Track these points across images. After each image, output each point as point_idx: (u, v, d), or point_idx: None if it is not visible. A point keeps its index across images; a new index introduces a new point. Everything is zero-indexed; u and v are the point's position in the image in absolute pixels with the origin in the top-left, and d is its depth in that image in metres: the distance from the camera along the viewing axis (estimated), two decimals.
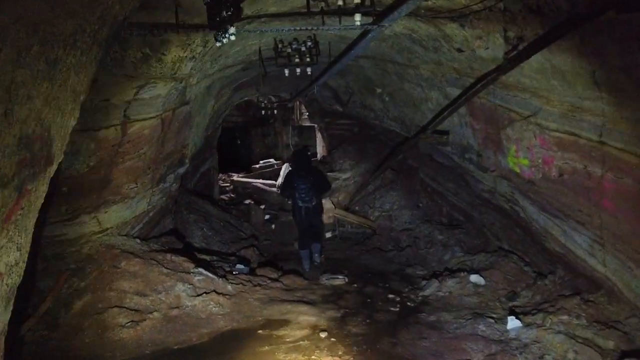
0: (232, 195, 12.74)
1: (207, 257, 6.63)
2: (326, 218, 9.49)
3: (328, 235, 9.07)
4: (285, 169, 14.31)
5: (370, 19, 4.65)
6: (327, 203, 9.83)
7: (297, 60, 6.55)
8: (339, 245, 8.51)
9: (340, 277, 6.40)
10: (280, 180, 13.37)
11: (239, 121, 16.81)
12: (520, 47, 4.18)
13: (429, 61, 6.14)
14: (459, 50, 5.19)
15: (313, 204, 7.22)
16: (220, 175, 13.96)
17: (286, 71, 6.67)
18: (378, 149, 11.28)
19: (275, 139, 17.31)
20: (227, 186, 13.37)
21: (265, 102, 14.66)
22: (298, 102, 14.90)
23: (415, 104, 7.55)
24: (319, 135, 14.47)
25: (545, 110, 4.56)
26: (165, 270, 5.41)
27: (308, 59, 6.56)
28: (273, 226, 10.16)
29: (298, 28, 4.10)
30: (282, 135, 16.88)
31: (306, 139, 16.24)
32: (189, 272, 5.52)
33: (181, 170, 7.06)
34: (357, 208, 9.80)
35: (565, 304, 4.58)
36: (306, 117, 15.08)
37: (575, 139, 4.31)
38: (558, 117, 4.42)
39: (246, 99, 13.22)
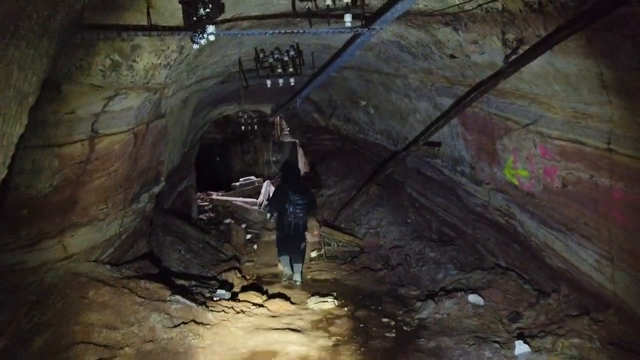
0: (211, 214, 12.24)
1: (185, 283, 6.15)
2: (311, 236, 9.09)
3: (314, 254, 8.65)
4: (266, 186, 13.89)
5: (359, 23, 4.34)
6: (311, 220, 9.44)
7: (279, 70, 6.21)
8: (326, 265, 8.09)
9: (329, 300, 5.98)
10: (262, 197, 12.94)
11: (218, 138, 16.38)
12: (521, 50, 3.92)
13: (418, 70, 5.87)
14: (452, 57, 4.92)
15: (302, 220, 7.13)
16: (199, 194, 13.46)
17: (268, 82, 6.32)
18: (362, 164, 10.99)
19: (255, 156, 16.91)
20: (206, 205, 12.87)
21: (245, 117, 14.29)
22: (278, 118, 14.57)
23: (402, 115, 7.27)
24: (300, 151, 14.14)
25: (546, 117, 4.30)
26: (138, 299, 4.92)
27: (291, 70, 6.23)
28: (255, 246, 9.69)
29: (283, 31, 3.76)
30: (262, 152, 16.49)
31: (287, 155, 15.88)
32: (165, 301, 5.03)
33: (156, 188, 6.59)
34: (342, 225, 9.42)
35: (574, 324, 4.26)
36: (287, 132, 14.75)
37: (580, 147, 4.04)
38: (561, 125, 4.16)
39: (225, 114, 12.83)
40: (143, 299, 4.95)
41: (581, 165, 4.11)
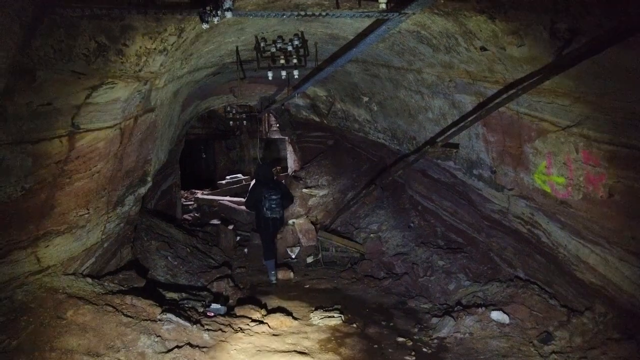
0: (196, 214, 11.56)
1: (176, 296, 5.53)
2: (306, 240, 8.55)
3: (310, 259, 8.11)
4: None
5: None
6: (305, 223, 8.90)
7: (282, 61, 5.62)
8: (324, 272, 7.55)
9: (335, 315, 5.44)
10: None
11: (202, 133, 15.64)
12: (576, 44, 3.43)
13: (436, 64, 5.36)
14: (482, 49, 4.41)
15: (278, 216, 7.28)
16: (183, 192, 12.76)
17: (269, 74, 5.72)
18: (358, 164, 10.47)
19: (242, 153, 16.23)
20: (191, 205, 12.17)
21: (233, 112, 13.59)
22: (267, 114, 13.93)
23: (411, 113, 6.76)
24: (289, 149, 13.53)
25: (594, 118, 3.83)
26: (124, 319, 4.29)
27: (295, 61, 5.65)
28: (246, 250, 9.09)
29: (304, 13, 3.18)
30: (248, 149, 15.81)
31: (275, 152, 15.25)
32: (155, 320, 4.42)
33: (142, 190, 5.94)
34: (339, 229, 8.89)
35: (621, 350, 3.82)
36: (276, 129, 14.12)
37: (636, 153, 3.59)
38: (612, 127, 3.70)
39: (212, 108, 12.14)
40: (130, 319, 4.33)
41: (634, 174, 3.65)
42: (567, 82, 3.85)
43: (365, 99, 7.82)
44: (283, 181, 12.57)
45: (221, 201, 11.77)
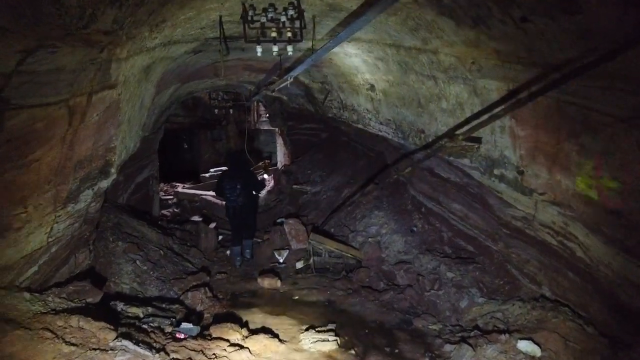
0: (175, 210, 10.61)
1: (140, 311, 4.62)
2: (296, 242, 7.67)
3: (300, 265, 7.24)
4: None
5: None
6: (296, 224, 8.02)
7: (273, 34, 4.71)
8: (316, 280, 6.68)
9: (330, 338, 4.58)
10: None
11: (186, 122, 14.61)
12: None
13: (458, 42, 4.49)
14: (522, 20, 3.54)
15: (240, 204, 7.63)
16: (162, 185, 11.78)
17: (258, 49, 4.81)
18: (354, 159, 9.61)
19: (228, 144, 15.24)
20: (170, 199, 11.21)
21: (218, 99, 12.60)
22: (256, 102, 12.98)
23: (420, 102, 5.90)
24: (280, 141, 12.62)
25: None
26: (65, 349, 3.38)
27: (289, 34, 4.74)
28: (228, 252, 8.17)
29: None
30: (235, 140, 14.83)
31: (264, 144, 14.32)
32: (106, 349, 3.51)
33: (104, 183, 5.00)
34: (333, 230, 8.03)
35: None
36: (265, 119, 13.18)
37: None
38: None
39: (196, 94, 11.16)
40: (73, 348, 3.42)
41: None
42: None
43: (368, 85, 6.94)
44: (269, 175, 11.68)
45: (203, 196, 10.82)
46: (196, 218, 9.78)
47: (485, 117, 4.73)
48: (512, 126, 4.57)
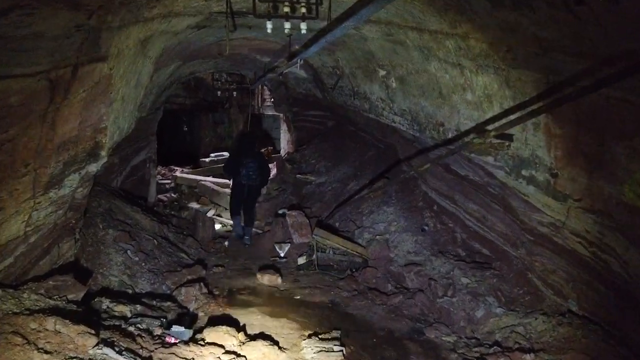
0: (173, 195, 10.16)
1: (127, 310, 4.19)
2: (299, 236, 7.25)
3: (302, 260, 6.82)
4: None
5: None
6: (299, 216, 7.59)
7: (286, 9, 4.22)
8: (319, 279, 6.27)
9: (335, 348, 4.16)
10: None
11: (187, 104, 14.07)
12: None
13: (493, 25, 3.99)
14: (578, 3, 3.06)
15: (257, 183, 7.63)
16: (160, 169, 11.32)
17: (269, 25, 4.32)
18: (362, 150, 9.14)
19: (230, 128, 14.73)
20: (168, 183, 10.76)
21: (222, 81, 12.07)
22: (260, 86, 12.47)
23: (442, 93, 5.42)
24: (284, 127, 12.14)
25: None
26: (38, 357, 2.95)
27: (304, 10, 4.25)
28: (227, 243, 7.75)
29: None
30: (238, 124, 14.34)
31: (268, 130, 13.82)
32: (84, 358, 3.09)
33: (93, 167, 4.55)
34: (338, 225, 7.59)
35: None
36: (270, 104, 12.67)
37: None
38: None
39: (198, 74, 10.65)
40: (46, 356, 3.00)
41: None
42: None
43: (382, 72, 6.45)
44: (271, 162, 11.30)
45: (202, 182, 10.37)
46: (194, 205, 9.35)
47: (517, 111, 4.27)
48: (547, 123, 4.10)
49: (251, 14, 4.76)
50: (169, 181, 10.91)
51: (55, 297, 3.80)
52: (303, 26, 4.34)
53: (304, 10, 4.25)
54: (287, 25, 4.29)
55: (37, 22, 2.74)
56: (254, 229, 8.36)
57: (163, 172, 11.57)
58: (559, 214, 4.39)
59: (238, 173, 7.49)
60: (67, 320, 3.32)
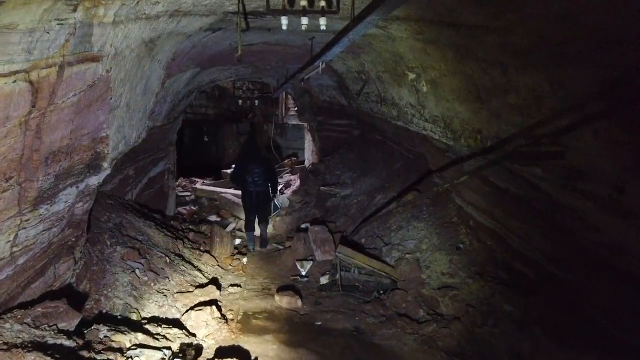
0: (192, 207, 9.81)
1: (126, 340, 3.75)
2: (321, 253, 6.73)
3: (324, 280, 6.29)
4: None
5: None
6: (322, 231, 7.09)
7: (303, 3, 3.76)
8: (342, 301, 5.73)
9: None
10: None
11: (210, 114, 13.80)
12: None
13: (545, 14, 3.42)
14: None
15: (264, 188, 7.66)
16: (181, 180, 11.02)
17: (284, 21, 3.86)
18: (389, 160, 8.60)
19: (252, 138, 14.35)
20: (188, 195, 10.42)
21: (243, 89, 11.73)
22: (284, 94, 12.08)
23: (480, 96, 4.84)
24: (308, 137, 11.70)
25: None
26: None
27: (323, 3, 3.78)
28: (245, 259, 7.30)
29: None
30: (262, 134, 13.97)
31: (291, 140, 13.40)
32: None
33: (93, 180, 4.16)
34: (363, 241, 7.04)
35: None
36: (293, 113, 12.26)
37: None
38: None
39: (219, 83, 10.32)
40: None
41: None
42: None
43: (412, 75, 5.91)
44: (294, 174, 10.93)
45: (222, 194, 9.98)
46: (214, 217, 8.96)
47: (571, 115, 3.67)
48: (611, 128, 3.48)
49: (265, 14, 4.32)
50: (189, 193, 10.57)
51: (43, 326, 3.38)
52: (322, 22, 3.86)
53: (323, 3, 3.77)
54: (305, 20, 3.81)
55: (5, 12, 2.34)
56: (274, 244, 7.93)
57: (183, 183, 11.26)
58: (619, 234, 3.75)
59: (245, 181, 7.54)
60: (48, 358, 2.89)
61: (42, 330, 3.33)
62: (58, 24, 2.69)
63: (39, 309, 3.48)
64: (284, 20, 3.82)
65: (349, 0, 4.16)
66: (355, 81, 7.92)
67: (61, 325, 3.49)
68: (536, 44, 3.68)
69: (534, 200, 4.85)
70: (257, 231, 8.12)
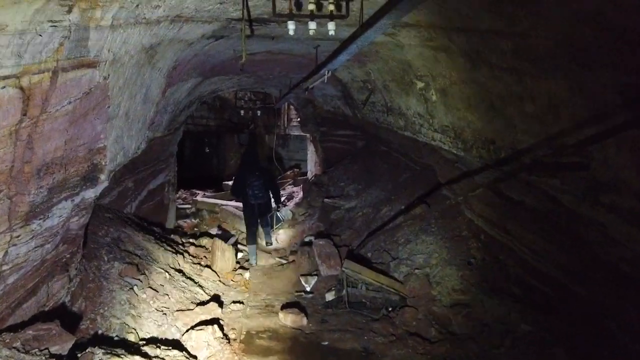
0: (193, 220, 9.59)
1: None
2: (326, 268, 6.51)
3: (330, 296, 6.05)
4: None
5: None
6: (327, 246, 6.87)
7: (311, 6, 3.59)
8: (349, 318, 5.49)
9: None
10: None
11: (211, 125, 13.64)
12: None
13: (566, 16, 3.24)
14: None
15: (265, 200, 7.58)
16: (181, 192, 10.82)
17: (291, 27, 3.69)
18: (395, 172, 8.41)
19: (253, 149, 14.19)
20: (189, 208, 10.21)
21: (245, 99, 11.58)
22: (286, 105, 11.93)
23: (494, 104, 4.65)
24: (311, 148, 11.52)
25: None
26: None
27: (331, 7, 3.61)
28: (247, 274, 7.06)
29: None
30: (264, 146, 13.80)
31: (294, 151, 13.22)
32: None
33: (90, 193, 3.95)
34: (370, 255, 6.81)
35: None
36: (296, 123, 12.10)
37: None
38: None
39: (221, 93, 10.16)
40: None
41: None
42: None
43: (421, 84, 5.74)
44: (297, 186, 10.73)
45: (224, 206, 9.77)
46: (215, 230, 8.73)
47: (593, 125, 3.47)
48: (635, 137, 3.28)
49: (271, 22, 4.16)
50: (189, 206, 10.37)
51: (34, 351, 3.16)
52: (331, 26, 3.68)
53: (332, 7, 3.60)
54: (312, 25, 3.64)
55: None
56: (277, 258, 7.72)
57: (184, 196, 11.06)
58: None
59: (245, 194, 7.44)
60: None
61: (32, 355, 3.10)
62: (51, 26, 2.51)
63: (30, 332, 3.26)
64: (291, 25, 3.65)
65: (357, 6, 4.01)
66: (361, 90, 7.76)
67: (53, 350, 3.26)
68: (557, 49, 3.50)
69: (551, 213, 4.64)
70: (260, 242, 7.96)
